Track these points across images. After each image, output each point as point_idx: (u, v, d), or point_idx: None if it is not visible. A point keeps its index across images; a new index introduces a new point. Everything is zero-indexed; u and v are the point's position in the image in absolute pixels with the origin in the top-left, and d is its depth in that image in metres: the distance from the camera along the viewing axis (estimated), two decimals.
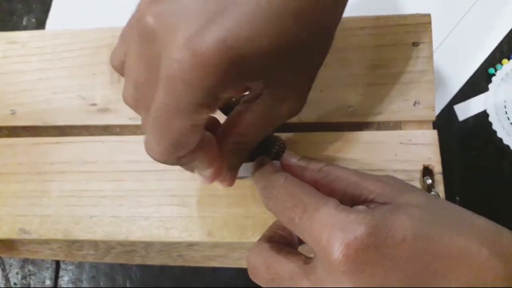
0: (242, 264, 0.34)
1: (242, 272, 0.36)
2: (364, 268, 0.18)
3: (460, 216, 0.21)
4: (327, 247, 0.19)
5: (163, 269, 0.37)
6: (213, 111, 0.21)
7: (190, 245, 0.35)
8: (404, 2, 0.39)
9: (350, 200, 0.22)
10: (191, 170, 0.25)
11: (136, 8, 0.20)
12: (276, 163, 0.28)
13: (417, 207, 0.20)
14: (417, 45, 0.32)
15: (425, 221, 0.20)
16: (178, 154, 0.22)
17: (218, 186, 0.30)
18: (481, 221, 0.21)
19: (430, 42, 0.32)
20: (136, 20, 0.20)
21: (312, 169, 0.25)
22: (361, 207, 0.21)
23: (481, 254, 0.19)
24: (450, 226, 0.20)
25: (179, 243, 0.34)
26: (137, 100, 0.23)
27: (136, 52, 0.21)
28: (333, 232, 0.19)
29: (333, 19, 0.23)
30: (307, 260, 0.21)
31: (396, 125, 0.31)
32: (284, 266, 0.21)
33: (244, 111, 0.24)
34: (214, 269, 0.36)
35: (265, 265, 0.22)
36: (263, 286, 0.23)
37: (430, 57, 0.31)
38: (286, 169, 0.26)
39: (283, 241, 0.24)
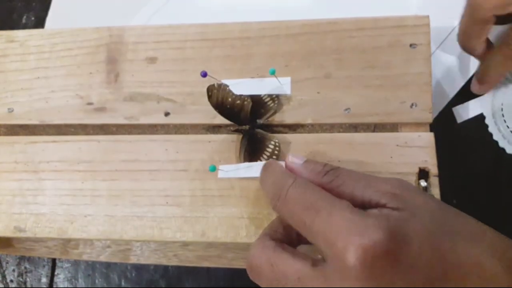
0: (236, 264, 0.34)
1: (236, 273, 0.36)
2: (380, 275, 0.18)
3: (471, 226, 0.21)
4: (342, 252, 0.18)
5: (158, 268, 0.37)
6: None
7: (184, 244, 0.35)
8: (402, 4, 0.39)
9: (359, 204, 0.22)
10: None
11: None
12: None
13: (430, 214, 0.20)
14: (414, 47, 0.31)
15: (439, 230, 0.19)
16: None
17: (211, 186, 0.30)
18: (490, 233, 0.20)
19: (428, 44, 0.31)
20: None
21: (318, 172, 0.24)
22: (374, 211, 0.20)
23: (492, 266, 0.19)
24: (463, 236, 0.20)
25: (173, 242, 0.34)
26: None
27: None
28: (349, 237, 0.18)
29: None
30: (315, 262, 0.20)
31: (392, 127, 0.31)
32: (291, 266, 0.21)
33: None
34: (208, 270, 0.36)
35: (269, 264, 0.21)
36: (264, 286, 0.22)
37: (428, 59, 0.31)
38: (290, 171, 0.25)
39: (285, 240, 0.23)
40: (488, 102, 0.34)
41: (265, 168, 0.26)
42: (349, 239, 0.18)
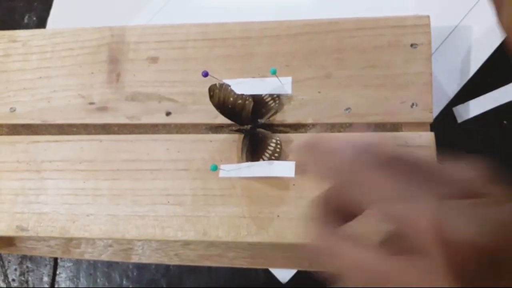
0: (237, 263, 0.34)
1: (237, 272, 0.36)
2: (477, 274, 0.16)
3: None
4: (435, 241, 0.16)
5: (159, 267, 0.37)
6: None
7: (185, 244, 0.35)
8: (403, 4, 0.39)
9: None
10: None
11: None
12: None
13: None
14: (415, 47, 0.31)
15: None
16: None
17: (213, 185, 0.30)
18: None
19: (429, 44, 0.31)
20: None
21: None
22: (468, 201, 0.18)
23: None
24: None
25: (174, 241, 0.34)
26: None
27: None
28: (444, 226, 0.16)
29: None
30: (395, 251, 0.18)
31: (393, 127, 0.31)
32: (365, 255, 0.18)
33: None
34: (210, 269, 0.37)
35: (346, 253, 0.19)
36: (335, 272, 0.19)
37: (429, 58, 0.31)
38: None
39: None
40: None
41: (312, 139, 0.22)
42: (444, 229, 0.16)
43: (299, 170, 0.29)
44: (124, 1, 0.44)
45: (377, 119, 0.31)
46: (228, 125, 0.32)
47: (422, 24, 0.32)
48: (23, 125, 0.35)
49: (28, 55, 0.36)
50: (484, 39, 0.38)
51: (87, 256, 0.37)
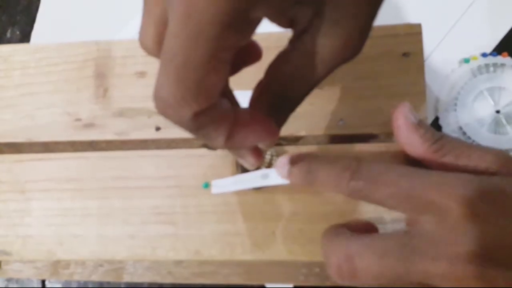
0: (233, 280, 0.33)
1: None
2: (485, 216, 0.18)
3: None
4: (444, 203, 0.19)
5: (152, 287, 0.36)
6: (243, 39, 0.16)
7: (179, 261, 0.34)
8: (393, 12, 0.39)
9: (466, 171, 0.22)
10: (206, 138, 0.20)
11: None
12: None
13: None
14: (407, 56, 0.31)
15: None
16: (196, 106, 0.17)
17: (205, 202, 0.29)
18: None
19: (421, 53, 0.31)
20: None
21: (428, 139, 0.24)
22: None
23: None
24: None
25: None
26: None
27: None
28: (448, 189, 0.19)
29: None
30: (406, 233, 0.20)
31: (387, 137, 0.31)
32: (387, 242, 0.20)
33: (287, 53, 0.20)
34: (204, 286, 0.35)
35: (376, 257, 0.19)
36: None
37: (421, 67, 0.31)
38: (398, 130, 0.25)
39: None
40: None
41: (306, 159, 0.24)
42: (450, 190, 0.19)
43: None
44: (110, 14, 0.43)
45: (370, 130, 0.30)
46: None
47: (413, 32, 0.31)
48: (5, 144, 0.34)
49: (10, 71, 0.35)
50: (477, 44, 0.37)
51: (76, 277, 0.35)
